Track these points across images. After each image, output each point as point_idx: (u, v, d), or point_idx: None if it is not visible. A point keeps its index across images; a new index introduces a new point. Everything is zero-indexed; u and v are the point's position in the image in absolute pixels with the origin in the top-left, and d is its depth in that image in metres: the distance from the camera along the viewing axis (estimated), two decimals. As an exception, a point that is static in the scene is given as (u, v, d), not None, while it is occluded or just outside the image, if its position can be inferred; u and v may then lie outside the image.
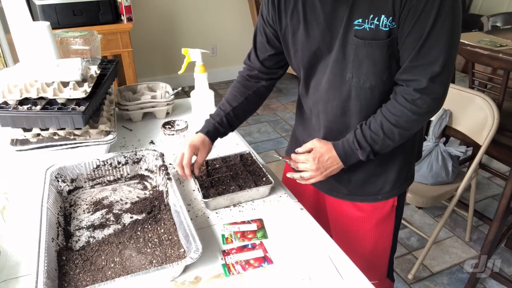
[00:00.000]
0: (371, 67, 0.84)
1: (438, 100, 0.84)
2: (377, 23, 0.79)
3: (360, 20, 0.81)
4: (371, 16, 0.79)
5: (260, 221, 0.97)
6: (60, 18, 2.42)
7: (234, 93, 1.08)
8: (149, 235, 0.90)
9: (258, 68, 1.07)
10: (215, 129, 1.05)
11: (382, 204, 1.04)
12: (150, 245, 0.87)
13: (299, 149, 0.99)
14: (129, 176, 1.11)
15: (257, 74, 1.07)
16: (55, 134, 1.13)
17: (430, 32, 0.76)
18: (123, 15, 2.60)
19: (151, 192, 1.06)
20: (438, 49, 0.78)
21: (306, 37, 0.90)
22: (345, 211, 1.09)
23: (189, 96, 1.43)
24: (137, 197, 1.04)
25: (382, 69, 0.85)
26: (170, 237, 0.89)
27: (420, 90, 0.82)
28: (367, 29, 0.81)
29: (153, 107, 1.45)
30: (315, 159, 0.93)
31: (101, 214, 0.97)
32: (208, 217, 0.98)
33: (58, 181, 1.02)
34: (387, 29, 0.79)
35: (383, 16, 0.78)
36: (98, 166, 1.07)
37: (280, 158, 1.06)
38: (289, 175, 1.02)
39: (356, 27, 0.82)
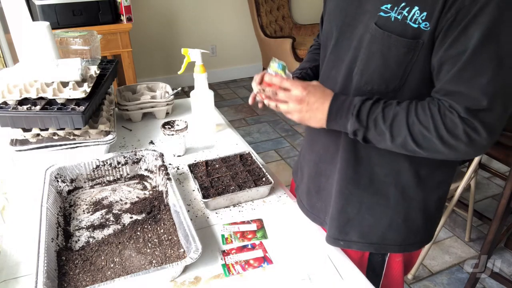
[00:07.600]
0: (380, 67, 0.72)
1: (492, 133, 0.65)
2: (406, 14, 0.66)
3: (389, 6, 0.68)
4: (402, 4, 0.66)
5: (259, 221, 0.97)
6: (60, 18, 2.42)
7: (313, 56, 1.01)
8: (149, 235, 0.90)
9: None
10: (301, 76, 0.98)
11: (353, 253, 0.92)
12: (149, 245, 0.87)
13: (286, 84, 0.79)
14: (128, 176, 1.11)
15: None
16: (54, 134, 1.13)
17: (483, 41, 0.61)
18: (123, 15, 2.60)
19: (150, 192, 1.06)
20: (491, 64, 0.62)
21: (336, 6, 0.81)
22: None
23: (188, 96, 1.43)
24: (137, 197, 1.04)
25: (391, 75, 0.72)
26: (169, 237, 0.89)
27: (471, 112, 0.64)
28: (392, 18, 0.67)
29: (152, 107, 1.45)
30: (303, 98, 0.76)
31: (101, 214, 0.97)
32: (208, 217, 0.98)
33: (57, 181, 1.02)
34: (416, 25, 0.65)
35: (416, 8, 0.65)
36: (97, 166, 1.07)
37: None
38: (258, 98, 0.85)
39: (382, 13, 0.69)
